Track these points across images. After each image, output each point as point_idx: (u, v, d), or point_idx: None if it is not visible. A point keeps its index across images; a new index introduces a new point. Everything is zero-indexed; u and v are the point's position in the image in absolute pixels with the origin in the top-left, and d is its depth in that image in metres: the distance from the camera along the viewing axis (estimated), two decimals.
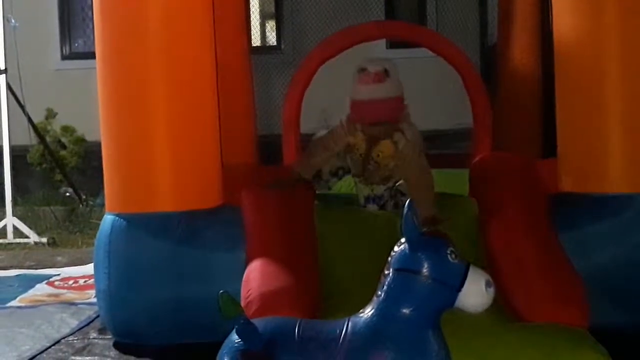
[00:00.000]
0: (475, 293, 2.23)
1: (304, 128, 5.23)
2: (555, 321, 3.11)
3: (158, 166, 3.91)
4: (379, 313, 2.26)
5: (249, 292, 3.34)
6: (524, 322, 3.19)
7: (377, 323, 2.25)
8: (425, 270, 2.23)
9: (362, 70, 3.87)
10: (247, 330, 2.33)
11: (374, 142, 3.93)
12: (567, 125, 4.01)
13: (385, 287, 2.27)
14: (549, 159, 4.28)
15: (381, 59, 3.95)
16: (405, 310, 2.23)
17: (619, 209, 3.81)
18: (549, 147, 4.63)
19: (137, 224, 3.89)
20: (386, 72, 3.80)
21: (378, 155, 3.92)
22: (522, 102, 6.56)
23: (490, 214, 3.85)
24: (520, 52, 6.68)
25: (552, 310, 3.18)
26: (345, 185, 4.86)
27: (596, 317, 3.34)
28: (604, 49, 3.86)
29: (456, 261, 2.24)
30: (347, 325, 2.29)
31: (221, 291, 2.34)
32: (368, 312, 2.29)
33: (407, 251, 2.26)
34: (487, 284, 2.24)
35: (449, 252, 2.25)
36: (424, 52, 5.69)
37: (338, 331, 2.28)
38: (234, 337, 2.36)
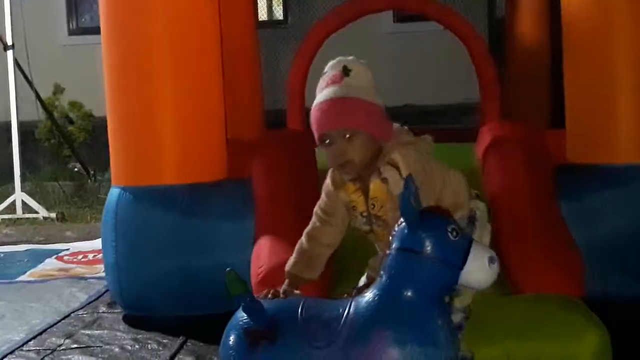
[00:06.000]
0: (478, 270, 2.17)
1: (311, 102, 5.20)
2: (551, 290, 3.11)
3: (163, 139, 3.91)
4: (381, 293, 2.22)
5: (261, 269, 3.35)
6: (521, 292, 3.19)
7: (379, 303, 2.21)
8: (425, 249, 2.17)
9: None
10: (252, 308, 2.33)
11: (367, 191, 2.58)
12: (575, 96, 3.99)
13: (387, 267, 2.23)
14: (557, 129, 4.27)
15: (346, 58, 2.59)
16: (408, 290, 2.18)
17: (627, 179, 3.80)
18: (558, 118, 4.61)
19: (143, 197, 3.90)
20: (344, 71, 2.54)
21: (373, 207, 2.55)
22: (530, 74, 6.54)
23: (495, 181, 3.85)
24: (529, 23, 6.65)
25: (548, 280, 3.18)
26: None
27: (601, 285, 3.36)
28: (612, 19, 3.83)
29: (457, 238, 2.18)
30: (350, 305, 2.25)
31: (227, 269, 2.33)
32: (370, 292, 2.26)
33: (406, 231, 2.21)
34: (490, 260, 2.18)
35: (449, 229, 2.18)
36: (431, 25, 5.67)
37: (341, 310, 2.25)
38: (240, 315, 2.36)
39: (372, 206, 2.55)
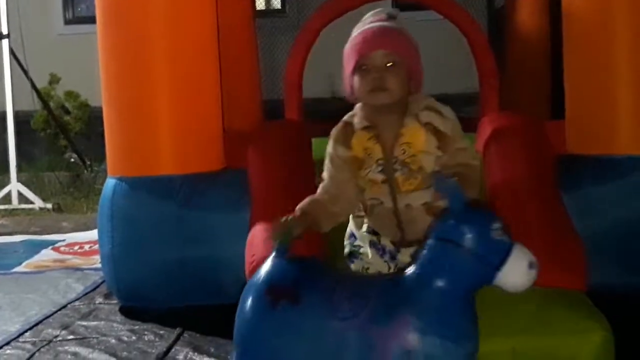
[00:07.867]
0: (515, 273, 2.11)
1: (310, 93, 5.19)
2: (554, 284, 3.10)
3: (159, 129, 3.90)
4: (413, 278, 2.17)
5: (253, 257, 3.33)
6: None
7: (407, 288, 2.16)
8: (466, 243, 2.11)
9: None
10: (281, 262, 2.29)
11: (389, 137, 2.47)
12: (575, 87, 3.98)
13: (423, 254, 2.18)
14: (557, 120, 4.26)
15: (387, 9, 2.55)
16: (440, 280, 2.13)
17: (626, 171, 3.79)
18: (558, 109, 4.59)
19: (139, 187, 3.89)
20: (389, 15, 2.49)
21: (404, 152, 2.46)
22: (530, 64, 6.53)
23: (496, 172, 3.83)
24: (529, 13, 6.63)
25: (550, 274, 3.16)
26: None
27: (599, 277, 3.34)
28: (612, 10, 3.82)
29: (500, 238, 2.12)
30: (379, 284, 2.23)
31: (287, 217, 2.30)
32: (403, 276, 2.20)
33: (451, 221, 2.14)
34: (530, 266, 2.12)
35: (494, 227, 2.13)
36: (430, 14, 5.64)
37: (368, 288, 2.22)
38: (259, 274, 2.31)
39: (402, 151, 2.46)
